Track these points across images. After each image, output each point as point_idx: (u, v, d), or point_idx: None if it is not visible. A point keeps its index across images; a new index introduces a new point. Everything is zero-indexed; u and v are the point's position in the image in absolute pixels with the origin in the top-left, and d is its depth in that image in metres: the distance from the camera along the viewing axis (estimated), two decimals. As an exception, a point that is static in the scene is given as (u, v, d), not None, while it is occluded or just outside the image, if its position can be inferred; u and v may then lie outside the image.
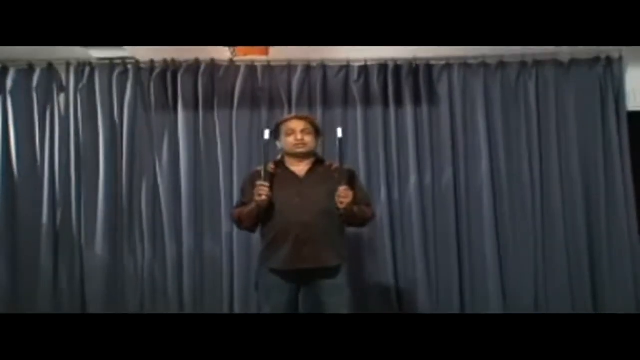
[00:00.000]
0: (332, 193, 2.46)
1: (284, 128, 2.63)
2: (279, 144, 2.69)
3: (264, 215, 2.54)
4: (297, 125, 2.59)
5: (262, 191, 2.45)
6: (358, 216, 2.55)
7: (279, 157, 2.67)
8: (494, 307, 3.59)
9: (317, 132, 2.66)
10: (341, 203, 2.43)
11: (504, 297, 3.62)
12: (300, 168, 2.58)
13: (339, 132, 2.57)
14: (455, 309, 3.60)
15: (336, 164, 2.60)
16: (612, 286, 3.59)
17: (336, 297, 2.49)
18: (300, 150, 2.57)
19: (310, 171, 2.59)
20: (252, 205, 2.51)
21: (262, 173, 2.51)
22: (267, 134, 2.59)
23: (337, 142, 2.57)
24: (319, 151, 2.77)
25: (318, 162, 2.64)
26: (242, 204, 2.64)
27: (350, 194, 2.45)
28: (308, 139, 2.58)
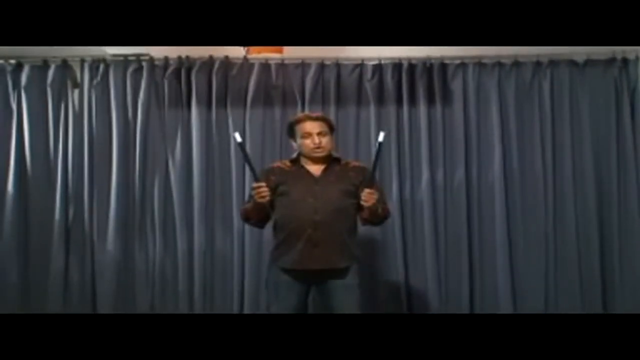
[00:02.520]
0: (346, 192, 2.48)
1: (299, 130, 2.59)
2: (294, 145, 2.67)
3: (273, 213, 2.56)
4: (313, 127, 2.56)
5: (263, 193, 2.46)
6: (381, 215, 2.56)
7: (294, 155, 2.66)
8: (504, 306, 3.58)
9: (331, 130, 2.65)
10: (366, 202, 2.42)
11: (514, 297, 3.61)
12: (316, 167, 2.58)
13: (381, 136, 2.49)
14: (464, 308, 3.60)
15: (353, 163, 2.63)
16: (623, 286, 3.59)
17: (346, 297, 2.49)
18: (319, 154, 2.56)
19: (325, 170, 2.58)
20: (253, 204, 2.55)
21: (255, 174, 2.55)
22: (238, 137, 2.56)
23: (377, 146, 2.49)
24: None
25: (334, 160, 2.63)
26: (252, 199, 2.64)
27: (374, 196, 2.43)
28: (325, 141, 2.56)
